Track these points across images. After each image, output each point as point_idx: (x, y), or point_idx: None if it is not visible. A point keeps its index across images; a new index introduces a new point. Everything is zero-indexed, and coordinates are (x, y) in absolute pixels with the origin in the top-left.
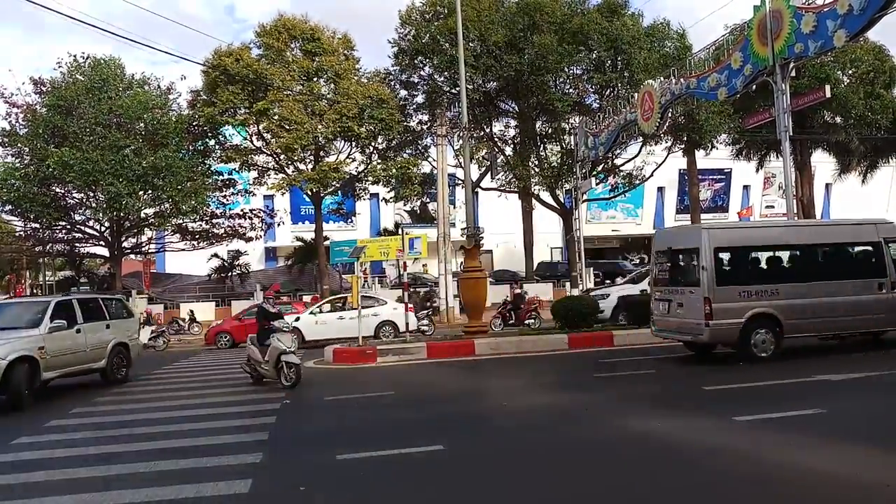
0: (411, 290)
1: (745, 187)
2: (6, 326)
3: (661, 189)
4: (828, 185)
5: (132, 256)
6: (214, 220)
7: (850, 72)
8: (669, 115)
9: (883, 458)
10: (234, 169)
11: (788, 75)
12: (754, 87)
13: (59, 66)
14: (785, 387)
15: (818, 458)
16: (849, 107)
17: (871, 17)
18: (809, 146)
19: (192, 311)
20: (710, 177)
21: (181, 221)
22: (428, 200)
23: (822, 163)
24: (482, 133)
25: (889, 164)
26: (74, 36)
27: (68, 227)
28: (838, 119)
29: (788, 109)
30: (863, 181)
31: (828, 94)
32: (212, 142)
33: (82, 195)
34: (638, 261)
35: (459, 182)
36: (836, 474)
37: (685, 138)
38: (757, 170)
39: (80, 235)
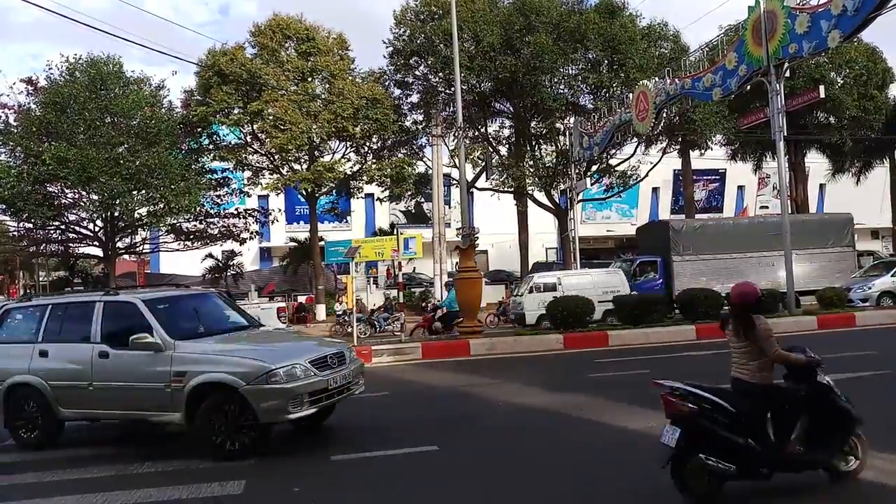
0: (407, 290)
1: (740, 188)
2: (227, 326)
3: (655, 189)
4: (822, 186)
5: (126, 257)
6: (209, 220)
7: (844, 73)
8: (664, 115)
9: (877, 459)
10: (228, 168)
11: (783, 76)
12: (749, 87)
13: (49, 69)
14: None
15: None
16: (842, 108)
17: (865, 17)
18: (804, 147)
19: None
20: (705, 177)
21: (175, 221)
22: (423, 200)
23: (817, 163)
24: (477, 133)
25: (883, 164)
26: (49, 37)
27: (62, 227)
28: (832, 120)
29: (783, 110)
30: (856, 182)
31: (822, 95)
32: (205, 140)
33: (76, 194)
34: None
35: (454, 182)
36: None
37: (680, 139)
38: (754, 171)
39: (74, 235)
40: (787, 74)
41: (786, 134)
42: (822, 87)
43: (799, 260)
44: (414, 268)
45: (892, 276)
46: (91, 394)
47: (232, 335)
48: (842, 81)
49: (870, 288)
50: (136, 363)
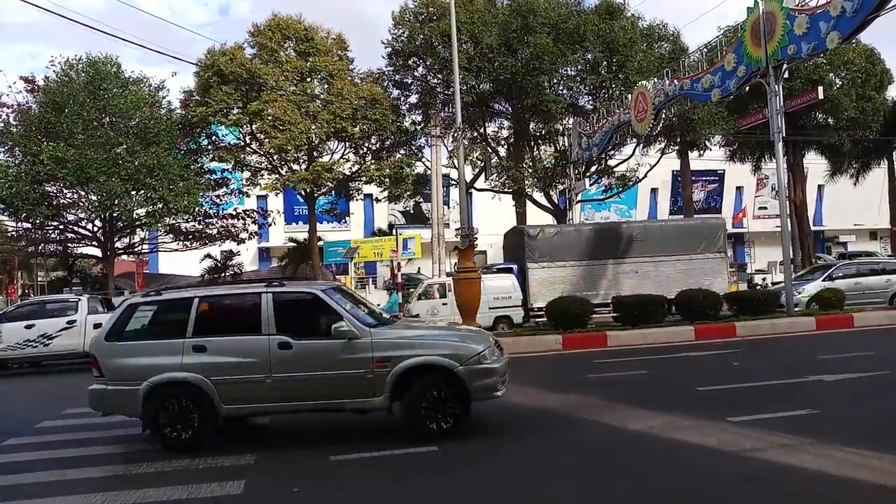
0: (406, 290)
1: (739, 189)
2: (380, 316)
3: (654, 190)
4: (820, 187)
5: (125, 257)
6: (207, 220)
7: (843, 74)
8: (663, 116)
9: (875, 459)
10: (227, 169)
11: (781, 77)
12: (747, 88)
13: (52, 65)
14: (778, 387)
15: (811, 458)
16: (841, 109)
17: (864, 18)
18: (802, 148)
19: None
20: (704, 178)
21: (174, 221)
22: (422, 201)
23: (815, 164)
24: (476, 134)
25: (881, 165)
26: (46, 38)
27: (60, 227)
28: (831, 121)
29: (781, 111)
30: (854, 183)
31: (820, 96)
32: (204, 141)
33: (74, 194)
34: None
35: (453, 182)
36: (828, 474)
37: (679, 139)
38: (753, 172)
39: (73, 235)
40: (786, 75)
41: (784, 135)
42: (820, 89)
43: (667, 265)
44: (419, 268)
45: (823, 280)
46: (268, 386)
47: (403, 322)
48: (840, 83)
49: (799, 292)
50: (330, 352)
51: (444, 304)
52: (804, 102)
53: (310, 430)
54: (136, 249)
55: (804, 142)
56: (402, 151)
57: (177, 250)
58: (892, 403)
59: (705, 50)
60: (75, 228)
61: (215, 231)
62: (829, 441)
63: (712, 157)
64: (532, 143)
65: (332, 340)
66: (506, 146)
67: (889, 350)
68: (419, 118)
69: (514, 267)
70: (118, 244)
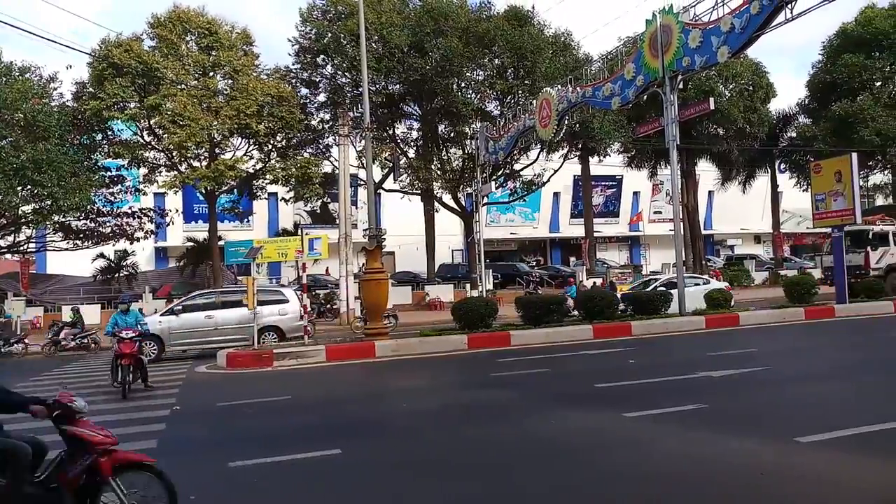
0: (312, 292)
1: (635, 193)
2: None
3: (556, 194)
4: (710, 193)
5: (8, 256)
6: (100, 219)
7: (732, 86)
8: (566, 122)
9: (757, 449)
10: (123, 166)
11: (677, 87)
12: (645, 97)
13: None
14: (670, 384)
15: (700, 449)
16: (730, 119)
17: (751, 35)
18: (695, 155)
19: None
20: (603, 183)
21: (63, 219)
22: (329, 201)
23: (706, 171)
24: (385, 135)
25: (765, 174)
26: None
27: None
28: (720, 131)
29: (676, 119)
30: (743, 190)
31: (711, 107)
32: (99, 136)
33: None
34: (535, 263)
35: (362, 183)
36: (714, 464)
37: (580, 146)
38: (649, 178)
39: None
40: (681, 86)
41: (679, 143)
42: (711, 100)
43: None
44: (327, 268)
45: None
46: None
47: None
48: (729, 94)
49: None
50: None
51: None
52: (696, 112)
53: (207, 436)
54: (20, 248)
55: (696, 150)
56: (309, 150)
57: (67, 249)
58: (772, 397)
59: (607, 59)
60: None
61: (109, 230)
62: (716, 433)
63: (611, 162)
64: (441, 145)
65: None
66: (415, 147)
67: (769, 346)
68: (327, 117)
69: None
70: (0, 242)
